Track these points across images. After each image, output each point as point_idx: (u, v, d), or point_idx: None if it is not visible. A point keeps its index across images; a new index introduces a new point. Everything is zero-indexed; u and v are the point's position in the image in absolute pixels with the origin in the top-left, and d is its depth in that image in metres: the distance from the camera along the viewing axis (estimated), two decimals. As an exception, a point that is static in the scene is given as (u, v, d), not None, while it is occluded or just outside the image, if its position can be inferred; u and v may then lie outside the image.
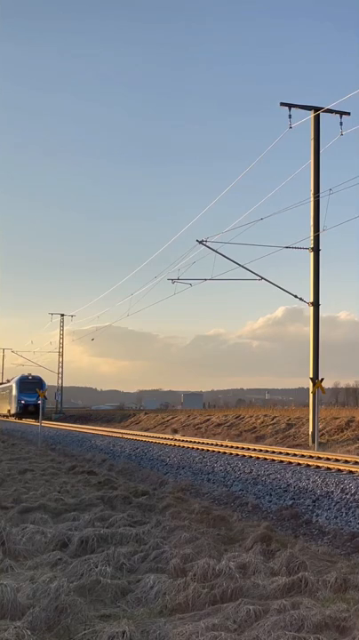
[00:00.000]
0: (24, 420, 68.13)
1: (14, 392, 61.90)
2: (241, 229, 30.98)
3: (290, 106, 26.39)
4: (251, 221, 29.08)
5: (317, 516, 12.04)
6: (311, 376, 26.09)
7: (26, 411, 59.90)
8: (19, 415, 61.01)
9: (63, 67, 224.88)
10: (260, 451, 21.32)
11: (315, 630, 5.59)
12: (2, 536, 8.44)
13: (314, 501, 12.76)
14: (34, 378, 62.69)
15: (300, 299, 27.16)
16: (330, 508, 12.13)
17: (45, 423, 48.96)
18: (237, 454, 20.14)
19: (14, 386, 62.67)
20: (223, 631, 5.55)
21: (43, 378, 64.18)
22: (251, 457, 19.41)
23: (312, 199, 26.62)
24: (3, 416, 69.88)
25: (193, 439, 27.70)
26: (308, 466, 16.71)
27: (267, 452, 20.91)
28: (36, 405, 53.50)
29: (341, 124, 25.91)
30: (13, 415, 62.55)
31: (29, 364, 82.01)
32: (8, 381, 73.61)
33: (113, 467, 19.50)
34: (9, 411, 65.26)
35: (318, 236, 26.67)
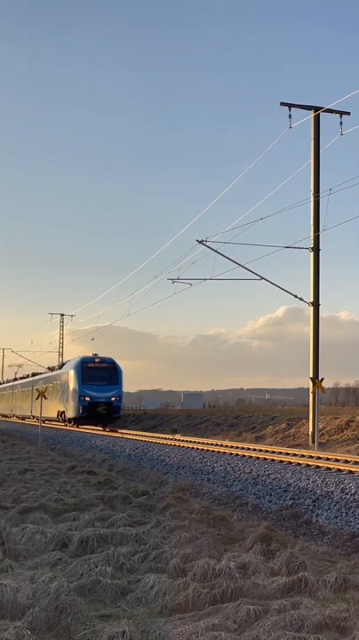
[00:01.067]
0: (24, 421, 54.64)
1: (73, 383, 38.03)
2: (241, 229, 30.97)
3: (290, 106, 26.40)
4: (251, 221, 29.13)
5: (317, 515, 12.04)
6: (311, 376, 26.10)
7: (93, 413, 36.89)
8: (81, 420, 37.98)
9: (61, 72, 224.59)
10: (260, 451, 21.32)
11: (315, 630, 5.59)
12: (2, 536, 8.45)
13: (314, 501, 12.76)
14: (103, 360, 38.70)
15: (300, 299, 27.16)
16: (330, 508, 12.13)
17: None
18: (237, 454, 20.13)
19: (73, 373, 38.27)
20: (223, 631, 5.55)
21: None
22: (251, 457, 19.40)
23: (312, 199, 26.62)
24: (44, 420, 42.96)
25: (193, 439, 27.68)
26: (308, 466, 16.71)
27: (267, 451, 20.90)
28: (109, 404, 36.79)
29: (341, 123, 25.92)
30: (71, 421, 39.00)
31: (29, 364, 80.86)
32: (50, 369, 50.73)
33: (113, 467, 19.50)
34: (62, 413, 41.19)
35: (318, 235, 26.67)
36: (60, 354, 72.27)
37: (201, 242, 27.10)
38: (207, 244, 27.03)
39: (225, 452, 20.74)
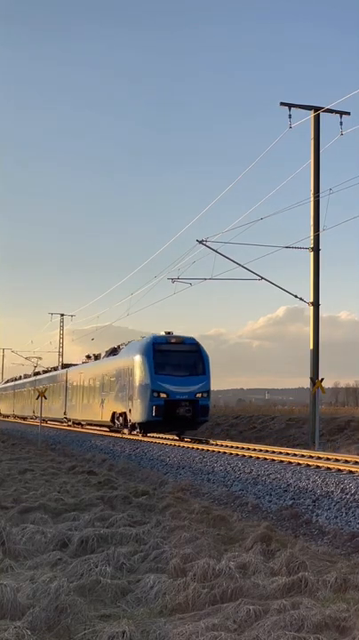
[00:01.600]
0: (27, 421, 51.18)
1: (140, 373, 27.22)
2: (241, 229, 30.97)
3: (290, 106, 26.40)
4: (251, 221, 29.11)
5: (317, 515, 12.04)
6: (311, 376, 26.10)
7: (171, 415, 26.08)
8: (153, 425, 27.14)
9: (61, 72, 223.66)
10: (260, 451, 21.31)
11: (315, 630, 5.59)
12: (2, 536, 8.45)
13: (314, 501, 12.76)
14: (183, 341, 27.83)
15: (300, 299, 27.16)
16: (330, 508, 12.13)
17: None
18: (237, 454, 20.13)
19: (139, 359, 27.40)
20: (223, 631, 5.55)
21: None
22: (251, 457, 19.40)
23: (312, 199, 26.62)
24: (98, 426, 35.45)
25: (193, 439, 27.67)
26: (308, 466, 16.71)
27: (267, 451, 20.90)
28: (194, 403, 26.16)
29: (341, 123, 25.90)
30: (135, 426, 28.14)
31: (29, 364, 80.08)
32: (94, 357, 38.96)
33: (113, 467, 19.51)
34: (120, 416, 30.25)
35: (318, 235, 26.67)
36: (60, 354, 72.21)
37: (201, 242, 27.10)
38: (207, 243, 27.03)
39: (225, 452, 20.75)
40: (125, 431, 29.53)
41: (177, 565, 7.44)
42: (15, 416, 61.90)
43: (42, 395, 30.94)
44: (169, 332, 28.45)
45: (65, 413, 42.46)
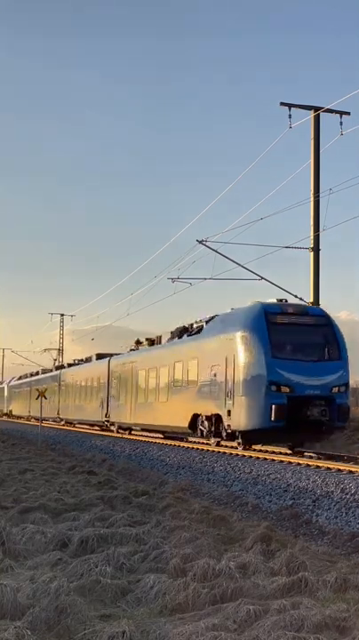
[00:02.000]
0: (19, 420, 52.51)
1: (245, 357, 18.97)
2: (241, 229, 30.89)
3: (290, 106, 26.43)
4: (251, 221, 29.02)
5: (317, 515, 12.04)
6: (311, 376, 26.01)
7: (298, 418, 18.09)
8: (268, 433, 19.11)
9: (62, 73, 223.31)
10: (260, 451, 21.30)
11: (315, 630, 5.59)
12: (2, 536, 8.45)
13: (314, 501, 12.76)
14: (305, 311, 20.41)
15: (300, 299, 27.12)
16: (330, 508, 12.13)
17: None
18: (237, 454, 20.12)
19: (246, 336, 19.09)
20: (223, 631, 5.55)
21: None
22: (251, 457, 19.39)
23: (312, 199, 26.62)
24: (159, 432, 28.32)
25: (193, 439, 27.66)
26: (308, 466, 16.71)
27: (267, 451, 20.88)
28: (331, 401, 18.61)
29: (341, 123, 25.97)
30: (236, 434, 20.06)
31: (29, 364, 79.64)
32: (148, 343, 30.55)
33: (113, 467, 19.51)
34: (206, 420, 21.74)
35: (318, 235, 26.67)
36: (60, 354, 72.09)
37: (201, 242, 27.09)
38: (207, 243, 27.02)
39: (225, 452, 20.73)
40: (211, 441, 21.57)
41: (177, 565, 7.44)
42: (31, 417, 52.37)
43: (42, 394, 30.90)
44: (282, 300, 21.17)
45: (107, 415, 33.81)
